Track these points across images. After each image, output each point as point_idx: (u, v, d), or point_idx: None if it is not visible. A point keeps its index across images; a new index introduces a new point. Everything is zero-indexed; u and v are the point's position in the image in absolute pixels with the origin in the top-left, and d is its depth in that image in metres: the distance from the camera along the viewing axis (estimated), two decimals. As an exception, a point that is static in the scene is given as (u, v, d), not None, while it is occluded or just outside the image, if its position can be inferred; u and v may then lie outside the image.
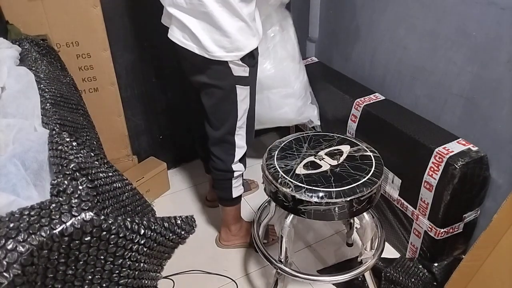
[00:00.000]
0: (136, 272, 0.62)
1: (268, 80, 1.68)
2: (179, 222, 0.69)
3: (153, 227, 0.63)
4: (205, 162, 1.71)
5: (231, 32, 1.12)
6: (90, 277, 0.57)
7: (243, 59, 1.19)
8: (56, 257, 0.52)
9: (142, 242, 0.61)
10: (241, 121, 1.33)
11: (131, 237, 0.59)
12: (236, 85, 1.23)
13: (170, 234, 0.66)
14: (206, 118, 1.34)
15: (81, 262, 0.55)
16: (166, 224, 0.66)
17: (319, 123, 1.87)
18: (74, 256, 0.54)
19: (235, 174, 1.41)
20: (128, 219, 0.59)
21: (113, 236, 0.56)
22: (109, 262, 0.58)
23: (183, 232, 0.69)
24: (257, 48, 1.23)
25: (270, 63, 1.69)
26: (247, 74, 1.23)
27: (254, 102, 1.36)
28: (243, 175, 1.48)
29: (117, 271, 0.59)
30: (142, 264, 0.63)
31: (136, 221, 0.60)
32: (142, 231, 0.60)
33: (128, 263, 0.60)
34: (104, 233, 0.55)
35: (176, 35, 1.18)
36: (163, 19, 1.26)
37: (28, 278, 0.48)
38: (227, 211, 1.53)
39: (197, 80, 1.25)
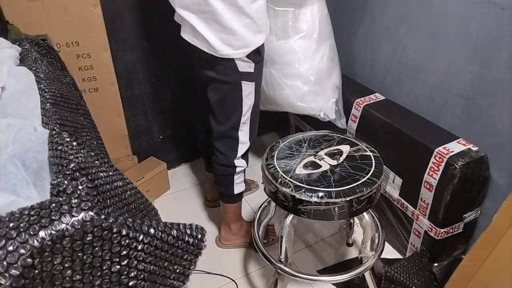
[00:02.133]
0: (146, 274, 0.61)
1: (270, 52, 1.49)
2: (182, 226, 0.69)
3: (154, 225, 0.62)
4: (206, 160, 1.72)
5: (237, 30, 1.14)
6: (98, 282, 0.56)
7: (248, 55, 1.22)
8: (60, 261, 0.52)
9: (147, 240, 0.60)
10: (246, 117, 1.34)
11: (134, 235, 0.58)
12: (242, 81, 1.26)
13: (175, 232, 0.66)
14: (212, 113, 1.36)
15: (87, 265, 0.54)
16: (168, 224, 0.66)
17: (334, 117, 1.60)
18: (79, 259, 0.53)
19: (237, 169, 1.42)
20: (129, 218, 0.59)
21: (115, 235, 0.56)
22: (115, 263, 0.57)
23: (189, 231, 0.69)
24: (263, 44, 1.25)
25: (274, 33, 1.49)
26: (252, 70, 1.26)
27: (259, 98, 1.38)
28: (245, 173, 1.48)
29: (125, 272, 0.59)
30: (152, 266, 0.62)
31: (138, 220, 0.60)
32: (146, 229, 0.60)
33: (135, 262, 0.59)
34: (106, 232, 0.55)
35: (187, 34, 1.22)
36: (175, 16, 1.28)
37: (31, 284, 0.48)
38: (228, 209, 1.53)
39: (206, 75, 1.29)
